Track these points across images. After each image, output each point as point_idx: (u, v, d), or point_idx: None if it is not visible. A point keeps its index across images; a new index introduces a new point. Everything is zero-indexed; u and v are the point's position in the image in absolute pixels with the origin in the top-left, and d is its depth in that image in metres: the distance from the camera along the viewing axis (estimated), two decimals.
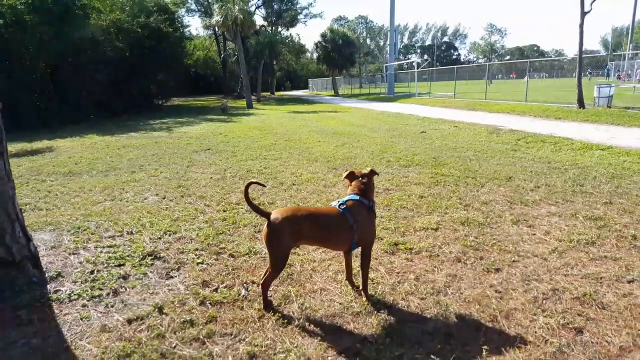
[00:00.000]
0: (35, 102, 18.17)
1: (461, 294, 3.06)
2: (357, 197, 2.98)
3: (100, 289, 3.24)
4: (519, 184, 5.93)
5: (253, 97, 33.31)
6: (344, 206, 2.91)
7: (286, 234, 2.78)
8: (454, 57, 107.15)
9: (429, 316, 2.79)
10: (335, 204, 2.99)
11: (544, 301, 2.91)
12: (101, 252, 3.93)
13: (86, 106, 20.24)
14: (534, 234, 4.13)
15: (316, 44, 44.41)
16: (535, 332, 2.57)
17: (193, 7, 53.47)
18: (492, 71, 50.69)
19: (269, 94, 53.05)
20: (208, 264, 3.68)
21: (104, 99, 21.80)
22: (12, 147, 10.99)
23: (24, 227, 3.38)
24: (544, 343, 2.46)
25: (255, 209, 2.90)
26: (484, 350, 2.39)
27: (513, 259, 3.59)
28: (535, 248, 3.81)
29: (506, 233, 4.18)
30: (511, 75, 60.43)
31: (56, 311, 2.99)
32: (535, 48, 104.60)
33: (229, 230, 4.46)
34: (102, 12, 21.05)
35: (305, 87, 70.71)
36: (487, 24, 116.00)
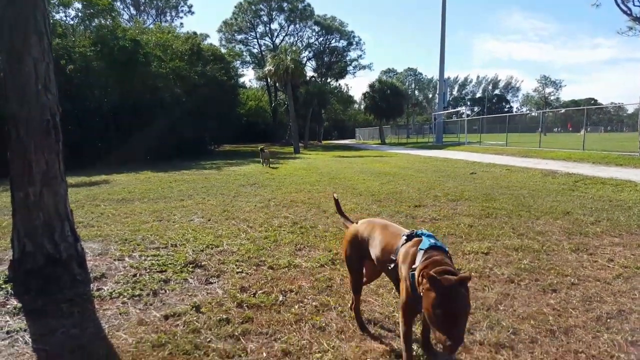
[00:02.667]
0: (97, 142, 19.48)
1: (514, 310, 2.81)
2: (431, 241, 2.07)
3: (141, 290, 3.26)
4: (577, 217, 5.56)
5: (300, 144, 34.12)
6: (406, 236, 2.22)
7: (351, 243, 2.56)
8: (506, 109, 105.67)
9: (478, 328, 2.57)
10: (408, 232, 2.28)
11: (609, 320, 2.62)
12: (145, 259, 3.99)
13: (143, 147, 21.41)
14: (596, 261, 3.80)
15: (364, 94, 45.34)
16: (599, 347, 2.30)
17: (247, 59, 56.54)
18: (546, 123, 49.19)
19: (316, 141, 54.15)
20: (247, 273, 3.63)
21: (160, 141, 23.03)
22: (72, 180, 11.68)
23: (73, 228, 3.51)
24: (610, 358, 2.18)
25: (343, 216, 2.91)
26: None
27: (572, 281, 3.29)
28: (597, 273, 3.49)
29: (564, 259, 3.87)
30: (568, 128, 58.21)
31: (97, 306, 3.02)
32: (593, 101, 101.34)
33: (269, 247, 4.43)
34: (163, 60, 22.67)
35: (352, 136, 71.68)
36: (540, 76, 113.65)
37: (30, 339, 2.57)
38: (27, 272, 3.19)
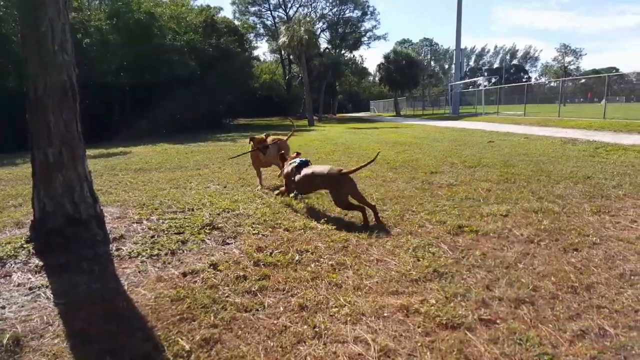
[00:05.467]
0: (114, 115, 19.63)
1: (534, 269, 2.77)
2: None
3: (159, 250, 3.30)
4: (599, 181, 5.42)
5: (315, 117, 33.89)
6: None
7: None
8: (524, 79, 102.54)
9: (497, 285, 2.54)
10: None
11: (633, 277, 2.56)
12: (163, 222, 4.03)
13: (159, 121, 21.47)
14: (618, 222, 3.71)
15: (379, 65, 44.58)
16: (623, 302, 2.26)
17: (261, 31, 55.79)
18: (566, 92, 47.60)
19: (330, 114, 53.70)
20: (263, 235, 3.65)
21: (176, 115, 23.07)
22: (90, 152, 11.81)
23: (92, 189, 3.54)
24: (634, 312, 2.14)
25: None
26: (561, 315, 2.12)
27: (594, 241, 3.22)
28: (619, 233, 3.41)
29: (585, 221, 3.78)
30: (588, 96, 56.32)
31: (116, 265, 3.06)
32: (614, 70, 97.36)
33: (285, 211, 4.43)
34: (178, 33, 22.50)
35: (367, 109, 70.82)
36: (560, 45, 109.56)
37: (51, 295, 2.62)
38: (48, 232, 3.24)
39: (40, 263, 3.05)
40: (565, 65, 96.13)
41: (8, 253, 3.21)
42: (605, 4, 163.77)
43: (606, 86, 24.28)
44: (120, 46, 18.45)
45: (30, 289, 2.70)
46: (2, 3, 16.20)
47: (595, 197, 4.62)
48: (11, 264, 3.06)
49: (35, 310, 2.44)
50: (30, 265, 3.04)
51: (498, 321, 2.14)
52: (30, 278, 2.85)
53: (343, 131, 20.55)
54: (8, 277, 2.87)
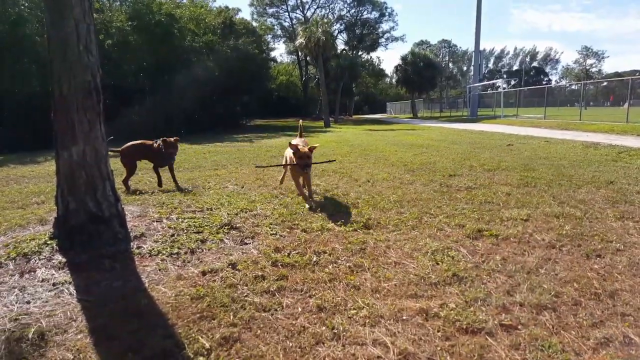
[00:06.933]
0: (133, 116, 19.85)
1: (556, 274, 2.72)
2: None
3: (179, 248, 3.35)
4: (622, 187, 5.31)
5: (331, 119, 33.90)
6: None
7: None
8: (544, 82, 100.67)
9: (518, 290, 2.51)
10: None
11: None
12: (182, 221, 4.07)
13: (177, 121, 21.68)
14: None
15: (396, 67, 44.36)
16: None
17: (279, 32, 56.07)
18: (587, 95, 46.69)
19: (346, 116, 53.62)
20: (281, 236, 3.67)
21: (194, 116, 23.27)
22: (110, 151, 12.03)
23: (114, 188, 3.60)
24: None
25: None
26: (584, 322, 2.08)
27: (618, 247, 3.16)
28: None
29: (608, 227, 3.71)
30: (610, 99, 55.13)
31: (137, 263, 3.11)
32: (638, 73, 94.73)
33: (302, 212, 4.44)
34: (197, 34, 22.73)
35: (383, 111, 70.51)
36: (581, 47, 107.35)
37: (74, 291, 2.68)
38: (71, 229, 3.31)
39: (64, 259, 3.12)
40: (587, 67, 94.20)
41: (32, 249, 3.29)
42: (627, 4, 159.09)
43: (629, 89, 23.67)
44: (141, 47, 18.72)
45: (54, 284, 2.76)
46: (26, 4, 16.60)
47: (618, 203, 4.52)
48: (35, 260, 3.13)
49: (58, 305, 2.49)
50: (53, 261, 3.11)
51: (519, 327, 2.11)
52: (54, 274, 2.91)
53: (359, 132, 20.53)
54: (32, 273, 2.94)
